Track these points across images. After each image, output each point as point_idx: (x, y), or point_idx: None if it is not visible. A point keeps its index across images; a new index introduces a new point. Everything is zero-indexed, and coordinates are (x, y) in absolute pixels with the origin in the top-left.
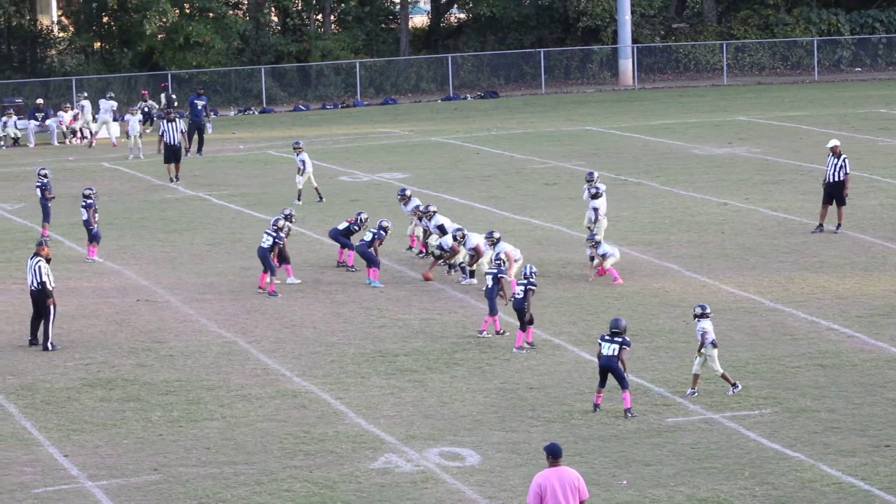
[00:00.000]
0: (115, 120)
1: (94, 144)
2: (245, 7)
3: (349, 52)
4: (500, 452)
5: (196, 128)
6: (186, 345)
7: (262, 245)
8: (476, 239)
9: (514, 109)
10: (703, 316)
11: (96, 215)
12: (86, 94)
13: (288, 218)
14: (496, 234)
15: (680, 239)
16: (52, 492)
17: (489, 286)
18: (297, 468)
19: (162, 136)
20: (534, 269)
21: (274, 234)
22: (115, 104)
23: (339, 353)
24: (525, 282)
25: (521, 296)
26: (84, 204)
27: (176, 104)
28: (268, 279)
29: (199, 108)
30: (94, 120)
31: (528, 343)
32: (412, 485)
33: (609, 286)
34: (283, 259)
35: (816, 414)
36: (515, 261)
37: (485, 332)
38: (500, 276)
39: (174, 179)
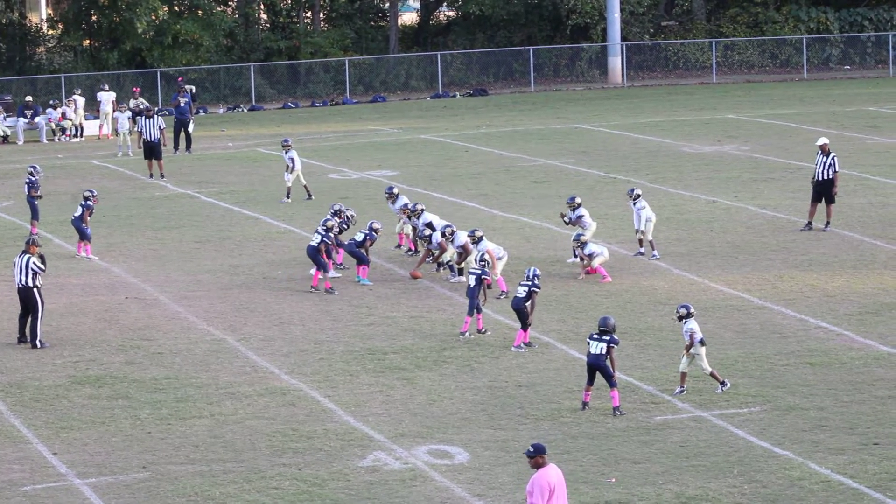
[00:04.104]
0: (115, 112)
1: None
2: (234, 4)
3: (338, 50)
4: (489, 450)
5: (181, 125)
6: (175, 342)
7: (311, 244)
8: (464, 237)
9: (503, 107)
10: (688, 316)
11: (89, 217)
12: (79, 91)
13: (337, 214)
14: (478, 233)
15: (669, 237)
16: (40, 489)
17: (471, 286)
18: (286, 466)
19: (141, 132)
20: (537, 272)
21: (323, 234)
22: (113, 94)
23: (328, 350)
24: (529, 283)
25: (523, 296)
26: (83, 204)
27: (190, 97)
28: (321, 276)
29: (184, 105)
30: (95, 116)
31: (524, 343)
32: (401, 482)
33: (598, 284)
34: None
35: (805, 412)
36: (498, 259)
37: (467, 333)
38: (483, 276)
39: (153, 175)
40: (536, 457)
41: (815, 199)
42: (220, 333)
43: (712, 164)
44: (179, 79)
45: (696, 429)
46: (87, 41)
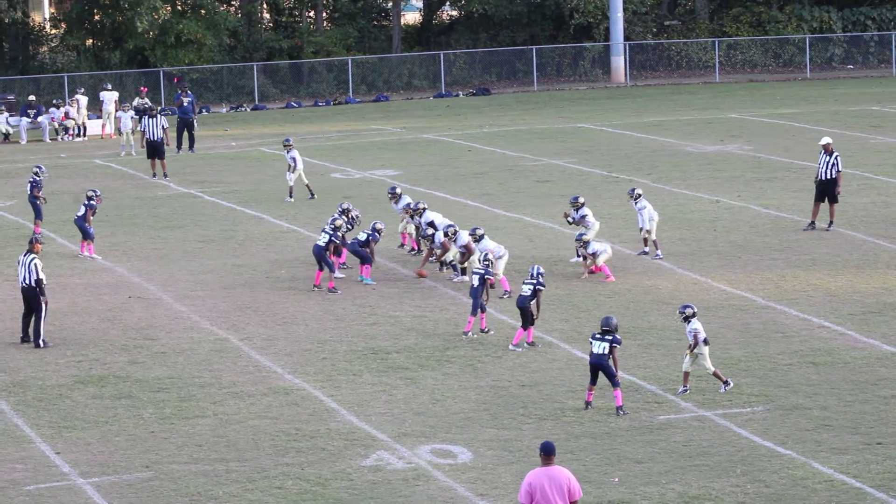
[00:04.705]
0: (117, 111)
1: (86, 137)
2: (237, 3)
3: (341, 49)
4: (492, 450)
5: (184, 125)
6: (178, 342)
7: (318, 243)
8: (467, 236)
9: (506, 106)
10: (693, 316)
11: (92, 217)
12: (81, 90)
13: (344, 213)
14: (479, 231)
15: (672, 236)
16: (43, 489)
17: (474, 286)
18: (289, 465)
19: (144, 132)
20: (541, 270)
21: (331, 233)
22: (116, 94)
23: (331, 350)
24: (534, 282)
25: (528, 294)
26: (86, 204)
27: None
28: (325, 275)
29: (187, 104)
30: (98, 116)
31: (527, 343)
32: (404, 482)
33: (601, 283)
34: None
35: (808, 411)
36: (499, 258)
37: (470, 333)
38: (486, 276)
39: (156, 175)
40: (541, 455)
41: (819, 199)
42: (223, 333)
43: (715, 164)
44: (175, 79)
45: (700, 428)
46: (90, 40)
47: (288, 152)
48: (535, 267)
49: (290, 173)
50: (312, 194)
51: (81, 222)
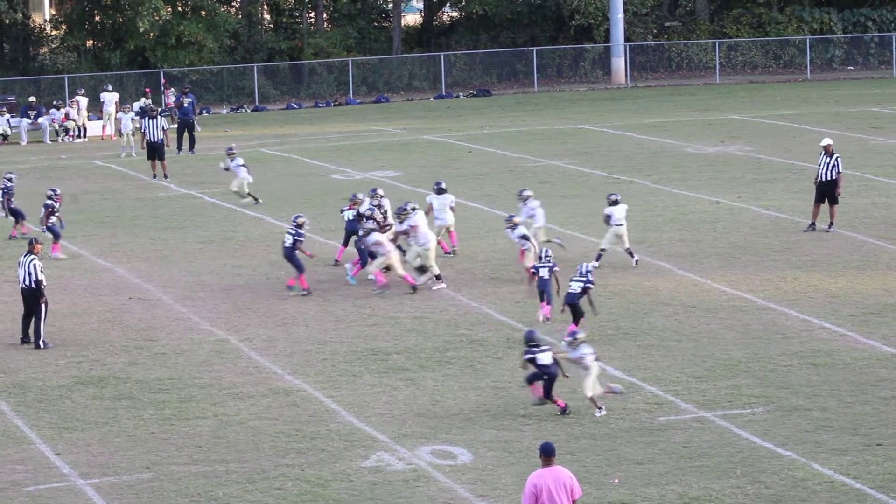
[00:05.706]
0: (118, 112)
1: (90, 138)
2: (237, 4)
3: (342, 50)
4: (492, 451)
5: (185, 126)
6: (178, 343)
7: (285, 245)
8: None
9: (506, 108)
10: (583, 341)
11: (51, 218)
12: (82, 91)
13: (369, 217)
14: (411, 205)
15: (672, 237)
16: (43, 490)
17: (545, 278)
18: (289, 466)
19: (144, 133)
20: (590, 268)
21: (294, 233)
22: (116, 95)
23: (331, 351)
24: (583, 280)
25: (577, 291)
26: (44, 204)
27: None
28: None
29: (187, 105)
30: (98, 117)
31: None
32: (404, 483)
33: (601, 285)
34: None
35: (808, 412)
36: (419, 242)
37: (548, 318)
38: (553, 268)
39: (156, 176)
40: (541, 456)
41: (819, 200)
42: (223, 334)
43: (716, 165)
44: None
45: (700, 429)
46: (91, 41)
47: (232, 160)
48: (584, 265)
49: (239, 179)
50: (256, 200)
51: (50, 226)
